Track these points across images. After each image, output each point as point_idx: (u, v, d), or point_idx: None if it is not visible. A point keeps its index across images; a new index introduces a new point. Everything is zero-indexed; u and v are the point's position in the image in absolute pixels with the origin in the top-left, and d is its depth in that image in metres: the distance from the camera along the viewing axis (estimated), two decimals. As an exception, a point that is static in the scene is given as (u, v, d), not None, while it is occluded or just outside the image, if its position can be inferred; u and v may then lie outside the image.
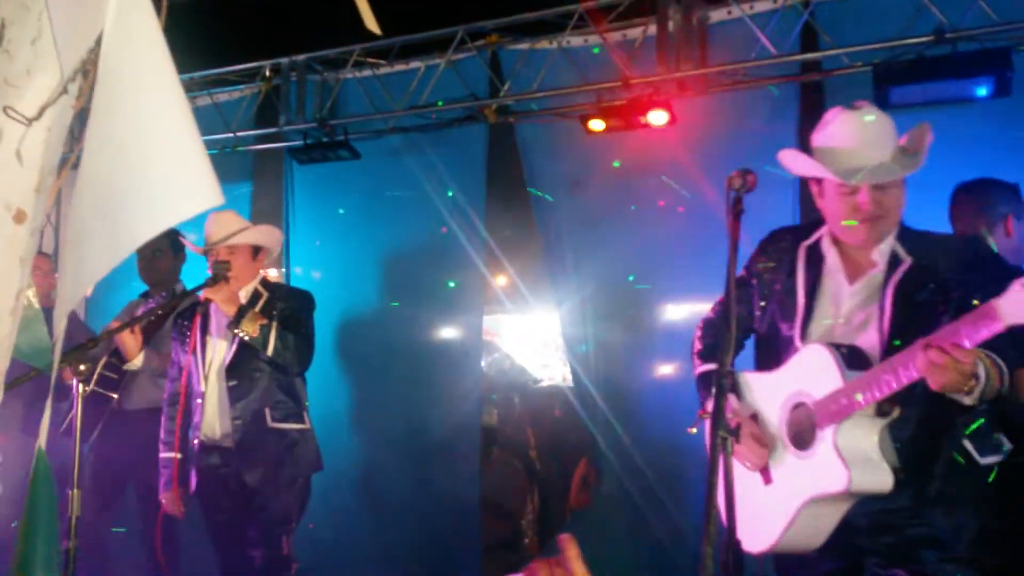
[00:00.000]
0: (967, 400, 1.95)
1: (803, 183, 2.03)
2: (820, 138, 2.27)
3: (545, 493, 6.47)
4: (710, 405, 2.36)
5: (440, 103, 4.74)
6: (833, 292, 2.25)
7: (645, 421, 4.49)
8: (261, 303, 3.50)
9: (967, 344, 1.87)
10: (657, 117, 4.10)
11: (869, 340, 2.17)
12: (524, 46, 4.66)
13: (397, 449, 5.13)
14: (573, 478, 6.03)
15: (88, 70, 1.16)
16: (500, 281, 8.76)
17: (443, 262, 5.02)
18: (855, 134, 2.19)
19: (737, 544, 1.82)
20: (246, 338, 3.33)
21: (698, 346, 2.57)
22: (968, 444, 2.15)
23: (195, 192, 1.12)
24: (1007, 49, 3.57)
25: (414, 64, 4.95)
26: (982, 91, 3.61)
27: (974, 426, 2.17)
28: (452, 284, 5.05)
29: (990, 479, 2.21)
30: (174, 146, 1.12)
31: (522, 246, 5.72)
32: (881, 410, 2.08)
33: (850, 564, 2.22)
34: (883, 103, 3.76)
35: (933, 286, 2.06)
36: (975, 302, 1.96)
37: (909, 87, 3.72)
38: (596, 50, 4.40)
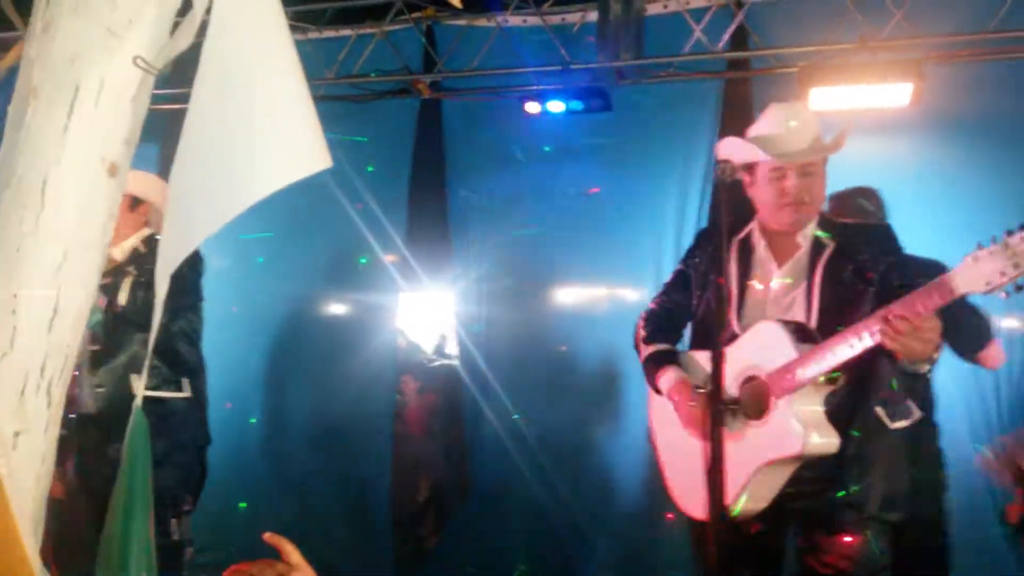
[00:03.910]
0: (924, 368, 2.16)
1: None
2: (756, 128, 2.50)
3: (440, 473, 6.45)
4: (661, 382, 2.55)
5: (373, 74, 4.64)
6: (762, 277, 2.45)
7: (537, 400, 4.55)
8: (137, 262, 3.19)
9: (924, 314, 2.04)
10: (596, 103, 4.19)
11: (797, 317, 2.38)
12: (461, 22, 4.61)
13: (309, 426, 5.04)
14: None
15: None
16: (407, 258, 8.68)
17: (360, 240, 4.94)
18: (785, 124, 2.44)
19: (729, 518, 1.93)
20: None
21: (642, 334, 2.72)
22: (880, 410, 2.41)
23: (306, 154, 1.09)
24: (920, 61, 3.85)
25: (345, 32, 4.82)
26: (898, 98, 3.89)
27: (887, 393, 2.44)
28: (364, 261, 4.98)
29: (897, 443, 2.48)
30: (289, 108, 1.09)
31: (435, 225, 5.67)
32: (830, 378, 2.28)
33: (774, 526, 2.44)
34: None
35: (852, 267, 2.28)
36: (895, 283, 2.23)
37: (830, 90, 3.96)
38: (545, 33, 4.41)
